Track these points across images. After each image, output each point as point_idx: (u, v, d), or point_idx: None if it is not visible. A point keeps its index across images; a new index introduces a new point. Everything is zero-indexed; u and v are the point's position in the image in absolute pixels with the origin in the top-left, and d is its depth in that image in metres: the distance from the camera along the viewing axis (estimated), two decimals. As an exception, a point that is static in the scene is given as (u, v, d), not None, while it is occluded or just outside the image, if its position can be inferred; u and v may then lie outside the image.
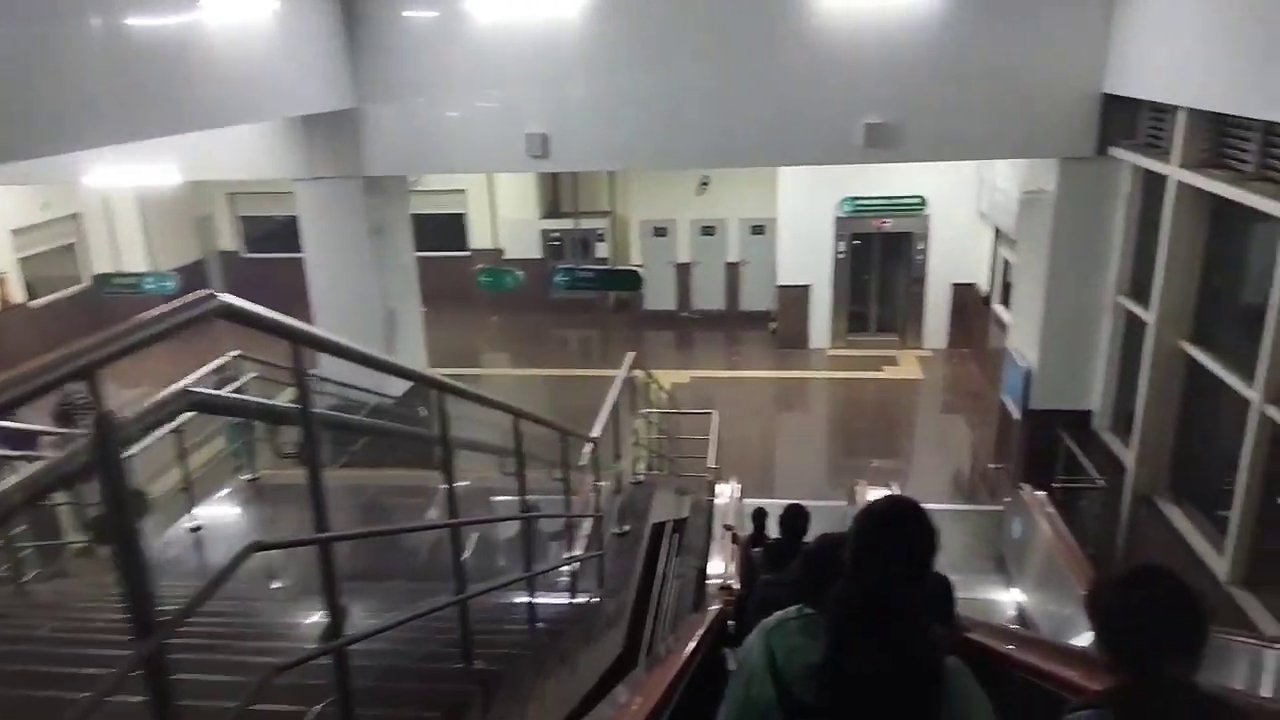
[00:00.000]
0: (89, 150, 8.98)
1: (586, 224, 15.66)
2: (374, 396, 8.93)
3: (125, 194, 16.06)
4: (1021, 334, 9.58)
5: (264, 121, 8.71)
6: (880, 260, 15.34)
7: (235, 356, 7.18)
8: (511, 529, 5.83)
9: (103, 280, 11.97)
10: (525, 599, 4.18)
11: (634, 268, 11.71)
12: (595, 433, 5.53)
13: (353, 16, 8.68)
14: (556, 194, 17.56)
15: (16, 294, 14.68)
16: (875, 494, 8.83)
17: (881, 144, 8.53)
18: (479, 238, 17.71)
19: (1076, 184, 8.48)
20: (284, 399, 9.01)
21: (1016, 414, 9.43)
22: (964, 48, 8.24)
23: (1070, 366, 8.88)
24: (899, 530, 2.01)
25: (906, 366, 14.65)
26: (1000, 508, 9.16)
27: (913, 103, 8.42)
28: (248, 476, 7.29)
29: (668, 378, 12.92)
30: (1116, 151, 8.11)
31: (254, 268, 18.15)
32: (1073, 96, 8.19)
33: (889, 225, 14.70)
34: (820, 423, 13.68)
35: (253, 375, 7.23)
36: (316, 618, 4.38)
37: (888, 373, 14.43)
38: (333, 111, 8.89)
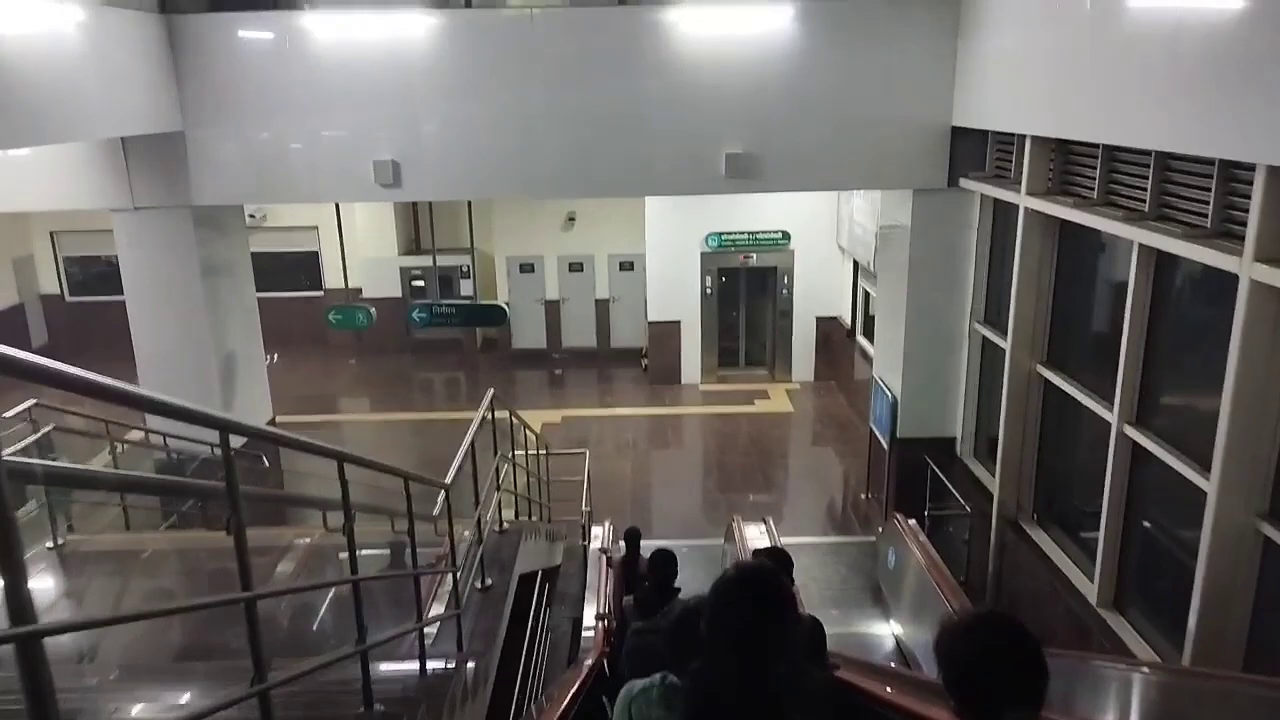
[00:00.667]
0: None
1: (449, 261, 15.06)
2: (206, 448, 8.13)
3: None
4: (885, 364, 9.66)
5: (68, 143, 7.81)
6: (747, 295, 15.42)
7: (33, 405, 6.28)
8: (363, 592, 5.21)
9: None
10: (361, 675, 3.61)
11: (498, 303, 11.22)
12: (448, 478, 5.01)
13: (175, 32, 7.95)
14: (417, 230, 16.91)
15: None
16: (751, 530, 8.61)
17: (743, 174, 8.45)
18: (334, 277, 16.77)
19: (930, 216, 8.64)
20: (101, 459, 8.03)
21: (885, 443, 9.45)
22: (819, 81, 8.29)
23: (933, 395, 8.97)
24: (749, 601, 1.93)
25: (777, 400, 14.69)
26: (874, 539, 9.11)
27: (772, 134, 8.39)
28: (50, 543, 6.34)
29: (538, 418, 12.47)
30: (967, 183, 8.29)
31: (80, 312, 16.62)
32: (923, 130, 8.35)
33: (754, 260, 14.80)
34: (695, 459, 13.48)
35: (50, 428, 6.34)
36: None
37: (759, 406, 14.42)
38: (155, 136, 8.09)
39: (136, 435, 8.72)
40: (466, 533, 6.07)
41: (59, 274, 17.17)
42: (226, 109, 8.22)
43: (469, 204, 11.47)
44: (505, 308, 10.33)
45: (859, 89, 8.31)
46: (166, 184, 8.40)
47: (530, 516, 9.05)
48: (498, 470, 6.65)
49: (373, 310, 10.32)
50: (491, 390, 6.36)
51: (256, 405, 9.93)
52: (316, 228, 16.70)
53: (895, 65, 8.24)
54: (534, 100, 8.29)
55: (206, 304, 8.91)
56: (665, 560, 4.93)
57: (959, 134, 8.28)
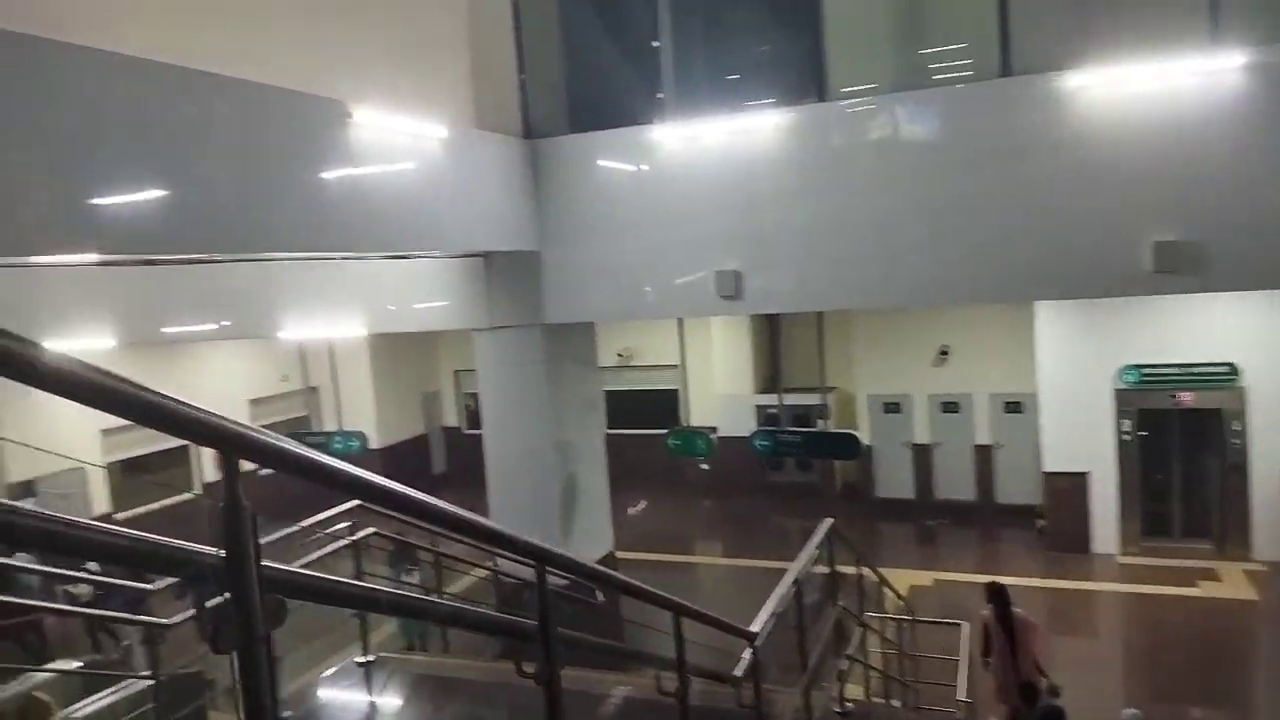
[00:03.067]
0: (280, 303, 8.96)
1: (806, 400, 14.01)
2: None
3: (360, 371, 16.82)
4: None
5: (444, 254, 8.22)
6: (1181, 444, 12.22)
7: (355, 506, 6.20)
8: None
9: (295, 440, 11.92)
10: None
11: (851, 432, 9.82)
12: (756, 626, 3.73)
13: (537, 155, 8.16)
14: (775, 367, 16.21)
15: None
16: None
17: (1178, 268, 6.37)
18: (692, 414, 16.58)
19: None
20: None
21: None
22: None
23: None
24: None
25: (1231, 583, 11.13)
26: None
27: (1220, 214, 6.28)
28: (361, 658, 6.03)
29: (903, 578, 10.57)
30: None
31: (475, 443, 18.06)
32: None
33: (1190, 400, 11.73)
34: (1113, 651, 10.48)
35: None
36: None
37: (1204, 590, 10.99)
38: (513, 256, 8.28)
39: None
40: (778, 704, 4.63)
41: (459, 409, 19.04)
42: (577, 227, 8.18)
43: (820, 335, 10.46)
44: (859, 438, 8.92)
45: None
46: (521, 303, 8.49)
47: (887, 699, 7.26)
48: (840, 628, 5.16)
49: (714, 438, 9.53)
50: (830, 520, 4.99)
51: (597, 536, 9.45)
52: (679, 366, 16.72)
53: None
54: (896, 196, 7.13)
55: (552, 424, 8.74)
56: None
57: None
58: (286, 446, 1.48)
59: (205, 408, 1.31)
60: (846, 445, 8.77)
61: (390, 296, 8.98)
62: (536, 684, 2.11)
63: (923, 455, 14.71)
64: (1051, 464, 12.48)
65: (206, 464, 14.62)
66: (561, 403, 8.87)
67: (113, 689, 5.99)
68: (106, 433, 12.96)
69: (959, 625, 8.51)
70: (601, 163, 8.13)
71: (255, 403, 15.40)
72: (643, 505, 15.96)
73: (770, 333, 16.01)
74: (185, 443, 15.16)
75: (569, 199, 8.20)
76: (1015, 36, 6.81)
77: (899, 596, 8.93)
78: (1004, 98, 6.89)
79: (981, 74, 6.99)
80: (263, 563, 1.36)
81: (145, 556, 1.46)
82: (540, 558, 2.20)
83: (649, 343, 17.12)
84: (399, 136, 6.64)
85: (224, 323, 9.68)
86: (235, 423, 1.34)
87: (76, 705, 5.86)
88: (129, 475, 13.64)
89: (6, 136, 4.11)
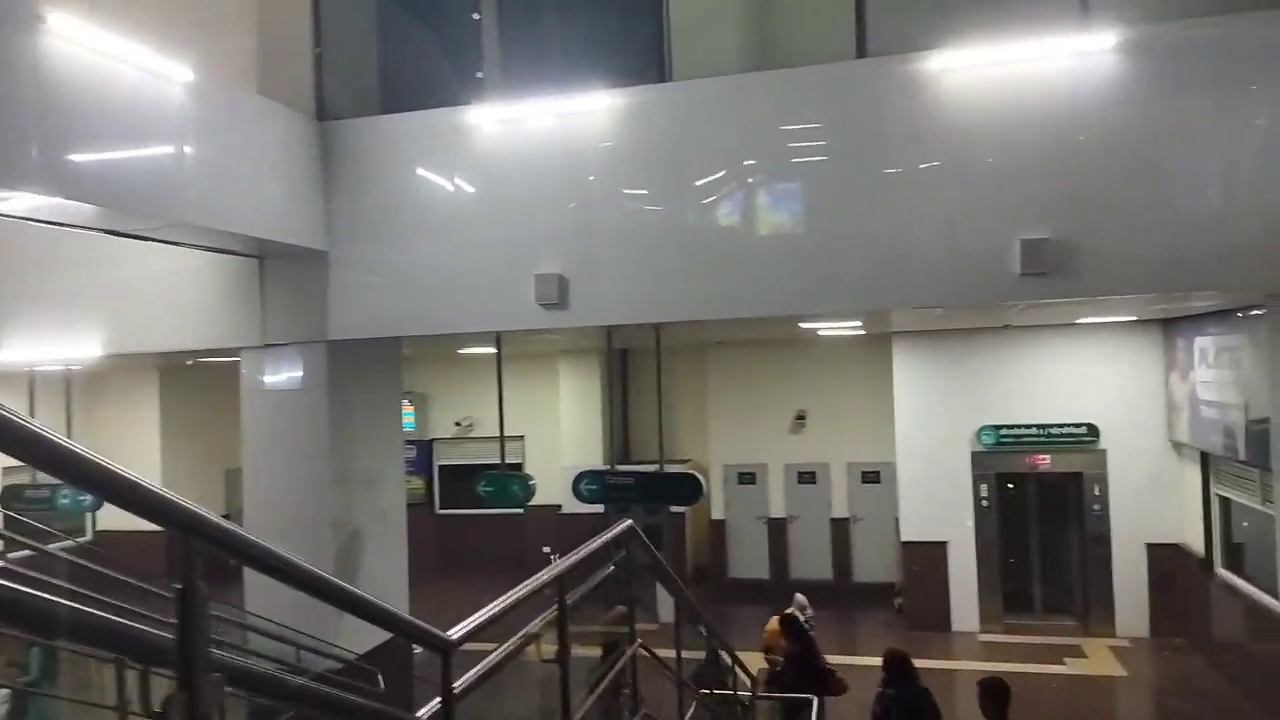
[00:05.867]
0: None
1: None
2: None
3: (147, 442, 14.82)
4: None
5: (219, 229, 6.60)
6: (1040, 511, 11.69)
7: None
8: None
9: (13, 493, 9.66)
10: None
11: (692, 473, 8.67)
12: (454, 634, 2.48)
13: (329, 140, 6.84)
14: (627, 439, 15.04)
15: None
16: None
17: (1049, 270, 5.63)
18: (541, 492, 15.07)
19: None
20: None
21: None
22: (1179, 126, 5.56)
23: None
24: None
25: (1098, 660, 10.42)
26: None
27: (1100, 207, 5.63)
28: None
29: (754, 661, 9.30)
30: None
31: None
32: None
33: (1048, 463, 11.25)
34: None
35: None
36: None
37: (1072, 667, 10.22)
38: (294, 257, 6.83)
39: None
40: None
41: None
42: (374, 223, 6.83)
43: (658, 395, 9.36)
44: (700, 479, 7.75)
45: (1244, 139, 5.47)
46: (302, 316, 6.97)
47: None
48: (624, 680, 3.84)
49: (532, 482, 8.15)
50: (628, 522, 3.73)
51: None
52: (523, 437, 15.40)
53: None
54: (742, 190, 6.19)
55: (333, 473, 7.09)
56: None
57: None
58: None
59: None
60: (687, 488, 7.57)
61: (140, 307, 7.29)
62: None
63: (778, 530, 13.64)
64: (909, 533, 11.67)
65: None
66: (347, 443, 7.21)
67: None
68: None
69: (809, 700, 7.36)
70: (405, 149, 6.87)
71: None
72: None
73: (622, 400, 14.92)
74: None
75: (365, 191, 6.86)
76: (873, 12, 6.14)
77: (749, 676, 7.68)
78: (860, 82, 6.15)
79: (838, 55, 6.24)
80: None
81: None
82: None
83: (494, 412, 15.63)
84: (125, 68, 5.20)
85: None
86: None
87: None
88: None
89: None
